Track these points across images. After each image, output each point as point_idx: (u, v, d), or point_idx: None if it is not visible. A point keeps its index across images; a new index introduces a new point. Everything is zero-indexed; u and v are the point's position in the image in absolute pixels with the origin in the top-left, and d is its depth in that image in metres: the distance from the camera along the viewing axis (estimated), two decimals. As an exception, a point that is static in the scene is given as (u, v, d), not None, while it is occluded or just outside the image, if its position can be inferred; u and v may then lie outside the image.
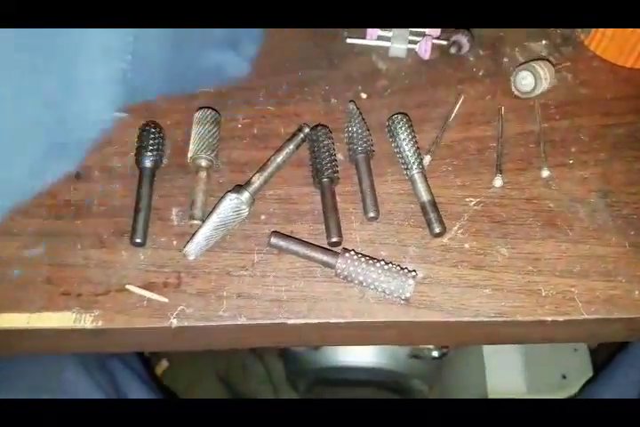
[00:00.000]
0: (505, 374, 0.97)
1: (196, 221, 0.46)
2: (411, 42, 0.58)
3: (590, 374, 0.94)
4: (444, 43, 0.58)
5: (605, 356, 0.88)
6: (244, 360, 1.19)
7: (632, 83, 0.58)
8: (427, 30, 0.58)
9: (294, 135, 0.52)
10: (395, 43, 0.57)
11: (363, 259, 0.44)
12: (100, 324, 0.42)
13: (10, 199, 0.40)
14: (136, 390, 0.73)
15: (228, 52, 0.42)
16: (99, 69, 0.36)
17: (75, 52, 0.35)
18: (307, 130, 0.52)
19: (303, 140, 0.52)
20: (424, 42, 0.57)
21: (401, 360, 1.06)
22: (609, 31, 0.58)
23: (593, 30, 0.59)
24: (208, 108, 0.52)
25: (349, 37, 0.59)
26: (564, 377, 0.97)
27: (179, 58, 0.40)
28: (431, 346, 1.03)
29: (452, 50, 0.57)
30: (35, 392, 0.61)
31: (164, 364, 1.12)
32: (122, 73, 0.36)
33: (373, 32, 0.58)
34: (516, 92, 0.56)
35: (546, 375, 0.97)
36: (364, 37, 0.58)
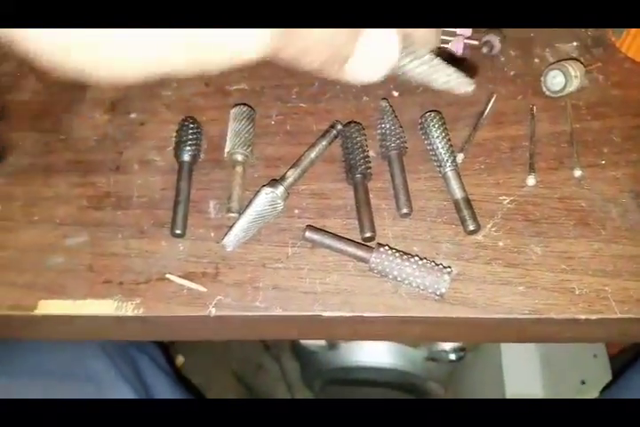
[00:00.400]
0: (523, 379, 0.96)
1: (233, 214, 0.46)
2: (443, 41, 0.58)
3: (609, 380, 0.94)
4: (476, 43, 0.58)
5: (625, 362, 0.87)
6: (260, 359, 1.20)
7: (663, 85, 0.58)
8: (458, 30, 0.58)
9: (327, 132, 0.52)
10: None
11: (397, 254, 0.44)
12: (141, 311, 0.43)
13: None
14: (159, 383, 0.74)
15: None
16: None
17: None
18: (339, 126, 0.52)
19: (335, 137, 0.53)
20: (456, 42, 0.58)
21: (418, 362, 1.06)
22: (640, 33, 0.58)
23: (624, 32, 0.59)
24: (243, 104, 0.53)
25: (382, 36, 0.59)
26: (583, 383, 0.97)
27: None
28: (448, 348, 1.03)
29: (484, 50, 0.57)
30: (61, 379, 0.62)
31: (180, 359, 1.12)
32: None
33: None
34: (547, 92, 0.56)
35: (564, 381, 0.97)
36: (396, 37, 0.59)
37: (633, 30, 0.58)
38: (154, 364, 0.75)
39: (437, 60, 0.45)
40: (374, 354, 1.05)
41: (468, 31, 0.59)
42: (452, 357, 1.03)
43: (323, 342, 1.04)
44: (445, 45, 0.58)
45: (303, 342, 1.04)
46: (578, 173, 0.51)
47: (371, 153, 0.53)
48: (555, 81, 0.55)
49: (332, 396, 1.13)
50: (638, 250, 0.48)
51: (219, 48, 0.31)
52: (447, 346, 1.01)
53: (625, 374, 0.76)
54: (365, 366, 1.05)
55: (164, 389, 0.74)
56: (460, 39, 0.57)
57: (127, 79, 0.32)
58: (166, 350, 1.04)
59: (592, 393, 0.93)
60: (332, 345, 1.05)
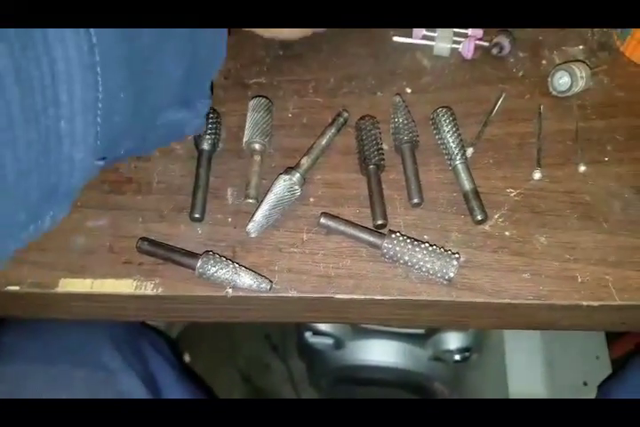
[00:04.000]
0: (526, 380, 0.98)
1: (251, 200, 0.48)
2: (454, 42, 0.60)
3: (611, 382, 0.95)
4: (487, 44, 0.61)
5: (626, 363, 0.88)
6: (267, 359, 1.21)
7: (667, 87, 0.60)
8: (470, 31, 0.61)
9: (334, 120, 0.54)
10: (439, 42, 0.60)
11: (408, 240, 0.46)
12: (159, 291, 0.45)
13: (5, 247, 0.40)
14: (166, 375, 0.75)
15: (183, 112, 0.45)
16: (78, 123, 0.36)
17: (53, 104, 0.35)
18: (345, 115, 0.55)
19: (343, 124, 0.55)
20: (467, 42, 0.60)
21: (423, 362, 1.07)
22: (645, 38, 0.60)
23: (628, 37, 0.61)
24: (262, 96, 0.55)
25: (396, 36, 0.61)
26: (586, 384, 0.98)
27: (138, 119, 0.41)
28: (453, 349, 1.04)
29: (494, 51, 0.60)
30: (73, 365, 0.63)
31: (187, 358, 1.14)
32: (96, 127, 0.37)
33: (419, 32, 0.60)
34: (553, 92, 0.58)
35: (567, 382, 0.98)
36: (410, 36, 0.61)
37: (637, 35, 0.61)
38: (161, 357, 0.77)
39: None
40: (380, 353, 1.06)
41: (479, 32, 0.61)
42: (457, 357, 1.05)
43: (329, 341, 1.06)
44: (457, 46, 0.60)
45: (310, 340, 1.05)
46: (582, 168, 0.53)
47: (384, 146, 0.55)
48: (561, 81, 0.57)
49: (338, 395, 1.14)
50: (639, 242, 0.49)
51: None
52: (452, 346, 1.02)
53: (620, 370, 0.77)
54: (371, 366, 1.07)
55: (170, 380, 0.75)
56: (470, 40, 0.60)
57: None
58: (174, 346, 1.05)
59: (594, 394, 0.94)
60: (339, 344, 1.06)
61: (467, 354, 1.05)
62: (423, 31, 0.61)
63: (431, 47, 0.61)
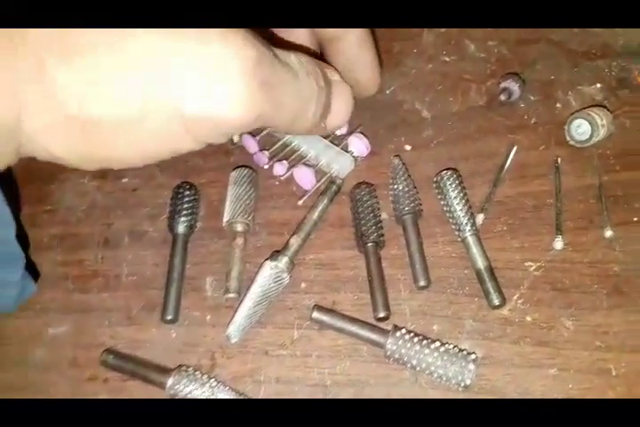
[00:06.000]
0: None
1: (231, 295, 0.42)
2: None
3: None
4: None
5: None
6: None
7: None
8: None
9: (326, 189, 0.48)
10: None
11: (416, 339, 0.40)
12: (130, 414, 0.39)
13: None
14: None
15: None
16: None
17: None
18: (339, 181, 0.48)
19: (336, 193, 0.49)
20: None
21: None
22: (670, 73, 0.53)
23: (651, 72, 0.55)
24: (244, 166, 0.49)
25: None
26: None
27: None
28: None
29: (503, 97, 0.53)
30: None
31: None
32: None
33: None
34: (571, 142, 0.52)
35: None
36: (406, 84, 0.55)
37: (661, 70, 0.54)
38: None
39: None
40: None
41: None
42: None
43: None
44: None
45: None
46: (609, 233, 0.47)
47: (383, 215, 0.49)
48: (580, 130, 0.51)
49: None
50: (681, 320, 0.43)
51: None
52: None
53: None
54: None
55: None
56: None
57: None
58: None
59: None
60: None
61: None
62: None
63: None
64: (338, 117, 0.40)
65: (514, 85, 0.53)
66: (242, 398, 0.39)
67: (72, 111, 0.25)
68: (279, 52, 0.33)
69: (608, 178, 0.50)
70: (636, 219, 0.48)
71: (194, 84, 0.27)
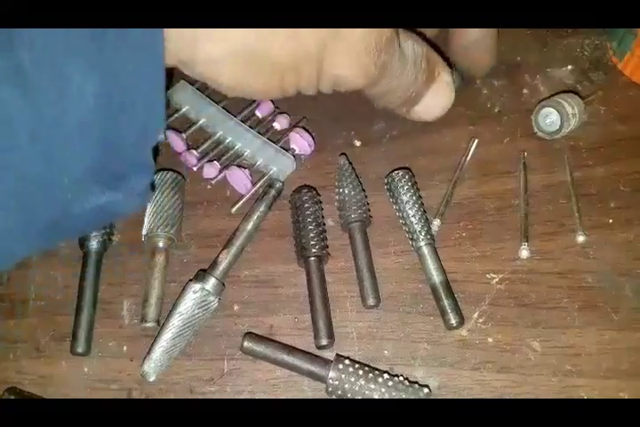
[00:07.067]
0: None
1: (149, 324, 0.37)
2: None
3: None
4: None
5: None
6: None
7: (678, 115, 0.48)
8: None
9: (264, 193, 0.42)
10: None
11: (361, 371, 0.35)
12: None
13: None
14: None
15: (107, 194, 0.31)
16: None
17: None
18: (278, 184, 0.43)
19: (275, 198, 0.43)
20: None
21: None
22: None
23: (627, 53, 0.49)
24: (169, 170, 0.42)
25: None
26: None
27: (49, 206, 0.29)
28: None
29: None
30: None
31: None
32: None
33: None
34: (539, 133, 0.47)
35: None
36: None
37: (638, 50, 0.49)
38: None
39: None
40: None
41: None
42: None
43: None
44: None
45: None
46: (581, 238, 0.42)
47: (330, 222, 0.43)
48: (548, 121, 0.46)
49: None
50: (660, 338, 0.38)
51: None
52: None
53: None
54: None
55: None
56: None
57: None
58: None
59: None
60: None
61: None
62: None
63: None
64: (423, 111, 0.43)
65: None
66: None
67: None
68: (402, 34, 0.37)
69: (580, 174, 0.45)
70: (611, 221, 0.43)
71: (341, 51, 0.33)
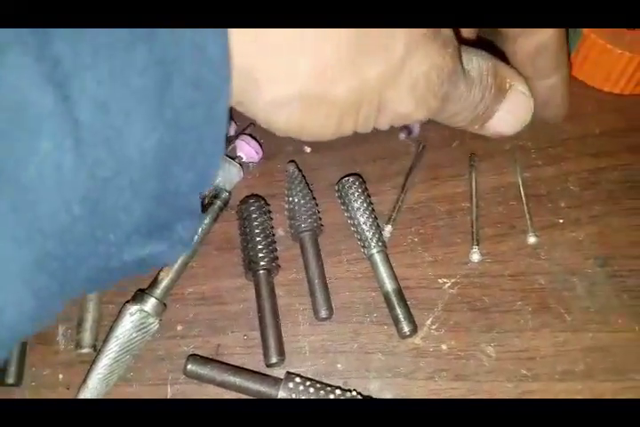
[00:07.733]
0: None
1: (85, 350, 0.35)
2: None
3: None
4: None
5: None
6: None
7: (623, 113, 0.48)
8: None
9: (209, 204, 0.41)
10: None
11: (312, 389, 0.34)
12: None
13: None
14: None
15: (152, 244, 0.28)
16: None
17: None
18: (225, 195, 0.41)
19: (222, 209, 0.42)
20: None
21: None
22: (593, 52, 0.48)
23: (572, 52, 0.49)
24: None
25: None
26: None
27: (90, 263, 0.26)
28: None
29: (402, 136, 0.46)
30: None
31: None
32: None
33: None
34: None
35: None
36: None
37: (583, 49, 0.49)
38: None
39: None
40: None
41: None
42: None
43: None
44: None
45: None
46: (532, 239, 0.42)
47: (280, 232, 0.42)
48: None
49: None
50: (611, 337, 0.39)
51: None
52: None
53: None
54: None
55: None
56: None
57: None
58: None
59: None
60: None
61: None
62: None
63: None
64: (498, 127, 0.39)
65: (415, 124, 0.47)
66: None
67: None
68: (464, 54, 0.34)
69: (530, 174, 0.45)
70: (562, 220, 0.43)
71: (402, 88, 0.30)
